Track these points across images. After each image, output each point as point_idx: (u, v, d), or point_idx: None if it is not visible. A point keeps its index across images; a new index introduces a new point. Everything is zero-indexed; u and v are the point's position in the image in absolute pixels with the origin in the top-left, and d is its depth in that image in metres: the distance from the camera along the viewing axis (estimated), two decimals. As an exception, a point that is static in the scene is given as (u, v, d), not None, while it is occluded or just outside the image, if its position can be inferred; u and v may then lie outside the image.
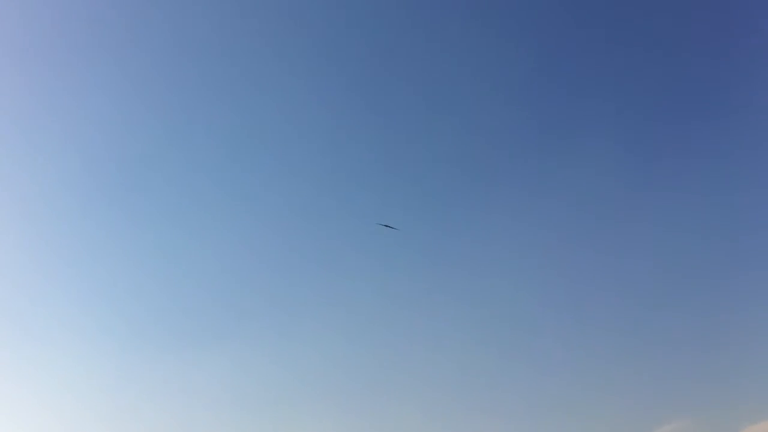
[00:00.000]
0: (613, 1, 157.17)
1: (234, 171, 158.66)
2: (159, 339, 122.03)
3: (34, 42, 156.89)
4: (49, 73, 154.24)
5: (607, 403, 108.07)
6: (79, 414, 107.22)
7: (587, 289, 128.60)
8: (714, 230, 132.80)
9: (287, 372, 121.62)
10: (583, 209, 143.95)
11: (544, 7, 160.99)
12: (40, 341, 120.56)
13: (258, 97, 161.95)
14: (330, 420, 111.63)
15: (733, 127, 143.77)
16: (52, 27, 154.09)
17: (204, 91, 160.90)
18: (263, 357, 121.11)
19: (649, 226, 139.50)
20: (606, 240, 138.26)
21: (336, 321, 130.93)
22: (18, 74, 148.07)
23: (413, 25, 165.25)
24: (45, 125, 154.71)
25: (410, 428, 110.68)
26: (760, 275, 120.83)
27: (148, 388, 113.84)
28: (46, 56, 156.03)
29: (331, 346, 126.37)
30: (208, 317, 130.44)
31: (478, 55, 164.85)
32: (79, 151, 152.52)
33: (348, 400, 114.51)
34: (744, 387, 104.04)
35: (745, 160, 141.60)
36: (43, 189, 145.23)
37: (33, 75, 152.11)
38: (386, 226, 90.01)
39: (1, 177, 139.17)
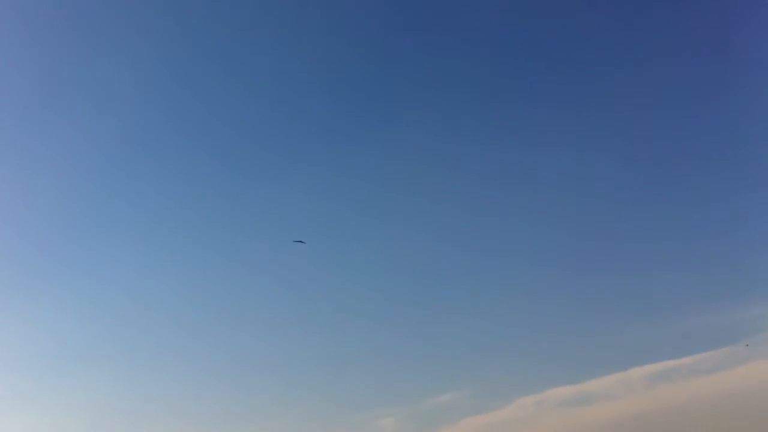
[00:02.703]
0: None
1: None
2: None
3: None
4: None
5: (389, 373, 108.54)
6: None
7: (372, 265, 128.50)
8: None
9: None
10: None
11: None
12: None
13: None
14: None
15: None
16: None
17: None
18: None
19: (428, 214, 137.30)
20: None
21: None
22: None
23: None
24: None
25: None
26: (550, 266, 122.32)
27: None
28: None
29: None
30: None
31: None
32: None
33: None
34: (519, 363, 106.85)
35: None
36: None
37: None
38: (298, 242, 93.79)
39: None
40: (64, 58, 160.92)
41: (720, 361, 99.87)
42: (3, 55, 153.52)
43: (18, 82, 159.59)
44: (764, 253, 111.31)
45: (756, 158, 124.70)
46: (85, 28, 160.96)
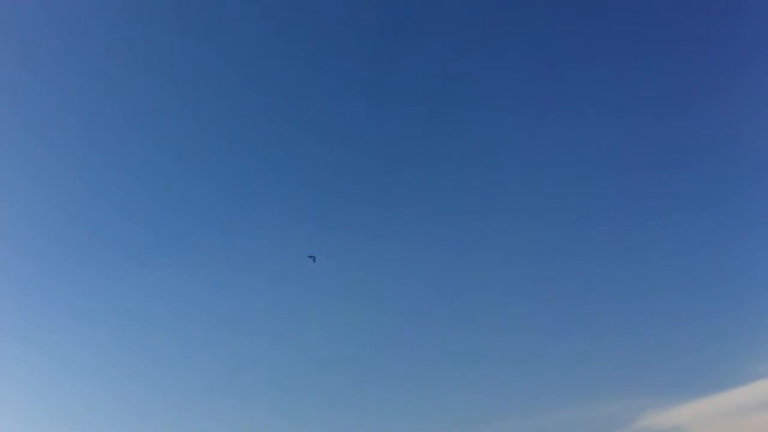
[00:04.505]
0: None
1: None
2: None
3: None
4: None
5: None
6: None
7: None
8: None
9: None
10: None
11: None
12: None
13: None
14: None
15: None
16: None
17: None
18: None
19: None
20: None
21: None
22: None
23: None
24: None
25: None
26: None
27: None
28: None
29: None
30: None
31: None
32: None
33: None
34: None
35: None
36: None
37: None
38: (311, 257, 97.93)
39: None
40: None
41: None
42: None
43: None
44: (622, 348, 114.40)
45: (625, 259, 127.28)
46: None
